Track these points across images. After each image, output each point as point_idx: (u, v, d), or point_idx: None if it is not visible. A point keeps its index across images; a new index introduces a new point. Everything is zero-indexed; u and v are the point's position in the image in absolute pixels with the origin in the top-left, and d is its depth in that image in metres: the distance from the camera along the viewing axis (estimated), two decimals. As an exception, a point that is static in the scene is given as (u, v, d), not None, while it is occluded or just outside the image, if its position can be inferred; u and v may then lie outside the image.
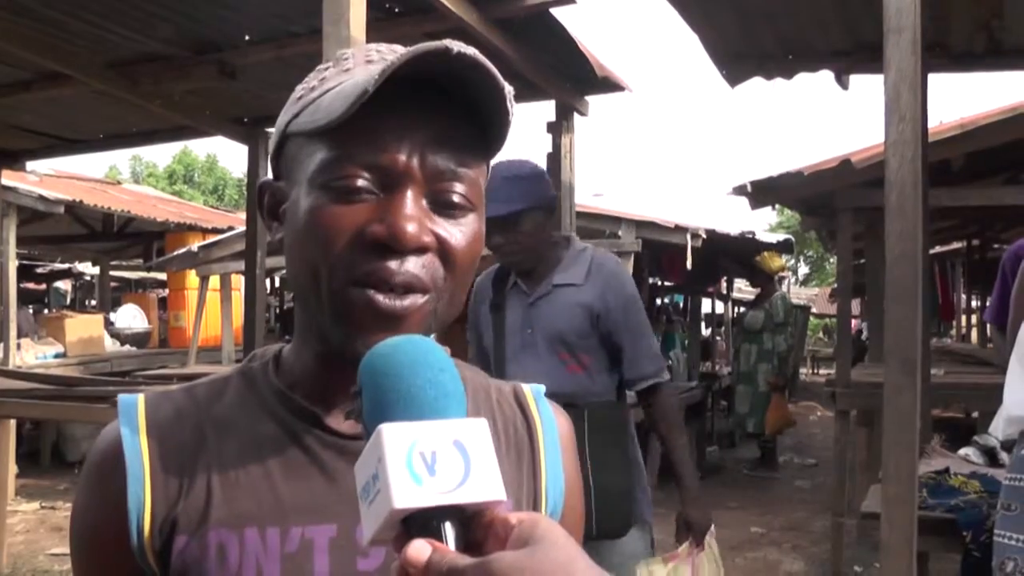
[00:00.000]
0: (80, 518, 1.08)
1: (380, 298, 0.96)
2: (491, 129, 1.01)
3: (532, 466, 1.15)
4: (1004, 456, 4.83)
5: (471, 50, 0.92)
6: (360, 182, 0.96)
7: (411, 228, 0.95)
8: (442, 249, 0.99)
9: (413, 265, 0.97)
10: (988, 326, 5.11)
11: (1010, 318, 3.69)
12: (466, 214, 1.01)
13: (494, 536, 0.74)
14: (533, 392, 1.22)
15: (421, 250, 0.97)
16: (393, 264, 0.96)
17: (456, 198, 0.99)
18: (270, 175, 1.12)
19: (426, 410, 0.78)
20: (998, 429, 3.48)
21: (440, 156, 0.98)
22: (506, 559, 0.70)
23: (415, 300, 0.97)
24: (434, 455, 0.74)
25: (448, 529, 0.73)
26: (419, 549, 0.71)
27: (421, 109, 0.97)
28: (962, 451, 5.05)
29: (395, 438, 0.74)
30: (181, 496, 1.01)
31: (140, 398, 1.08)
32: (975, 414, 9.56)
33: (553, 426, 1.20)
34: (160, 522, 1.01)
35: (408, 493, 0.72)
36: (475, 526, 0.75)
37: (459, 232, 1.00)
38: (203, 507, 1.01)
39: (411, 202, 0.96)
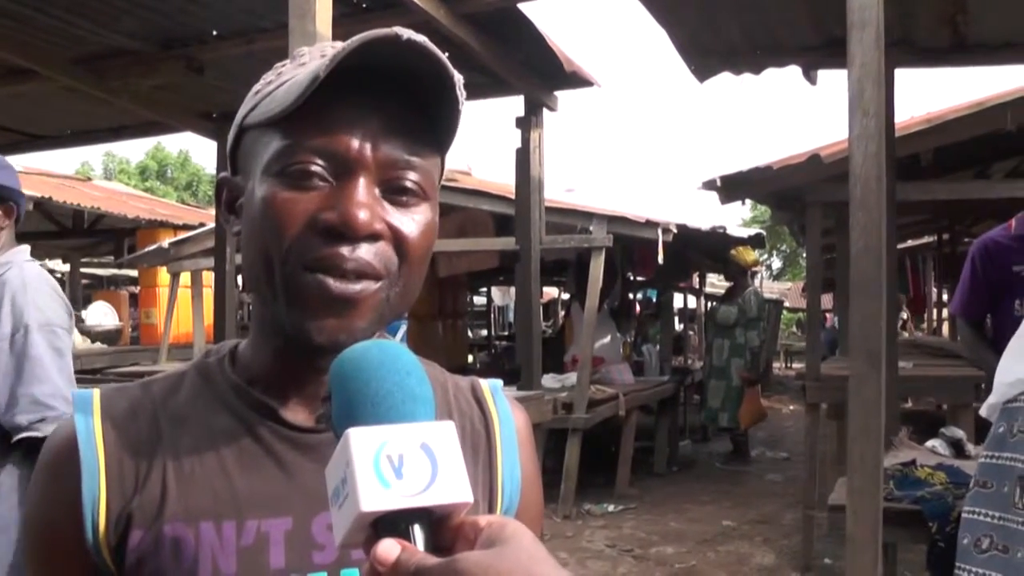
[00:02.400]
0: (34, 514, 1.07)
1: (331, 282, 0.96)
2: (441, 118, 1.01)
3: (488, 461, 1.16)
4: (971, 448, 4.88)
5: (421, 37, 0.93)
6: (313, 169, 0.97)
7: (363, 215, 0.95)
8: (395, 238, 0.99)
9: (365, 252, 0.97)
10: (956, 319, 5.14)
11: None
12: (419, 203, 1.01)
13: (463, 538, 0.75)
14: (490, 387, 1.22)
15: (373, 237, 0.97)
16: (345, 250, 0.96)
17: (409, 186, 1.00)
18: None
19: (393, 414, 0.78)
20: (984, 407, 3.50)
21: (392, 145, 0.98)
22: (472, 558, 0.70)
23: (367, 286, 0.98)
24: (401, 458, 0.74)
25: (417, 531, 0.74)
26: (388, 548, 0.71)
27: (375, 98, 0.98)
28: (929, 443, 5.09)
29: (362, 442, 0.74)
30: (137, 490, 1.01)
31: (95, 393, 1.08)
32: (944, 407, 9.63)
33: (510, 421, 1.20)
34: (115, 517, 1.00)
35: (375, 496, 0.72)
36: (444, 529, 0.76)
37: (411, 221, 1.00)
38: (158, 501, 1.00)
39: (363, 189, 0.97)
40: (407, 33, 0.92)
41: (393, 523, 0.73)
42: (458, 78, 0.97)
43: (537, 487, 1.24)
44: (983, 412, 3.52)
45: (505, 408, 1.20)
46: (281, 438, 1.05)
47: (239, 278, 8.89)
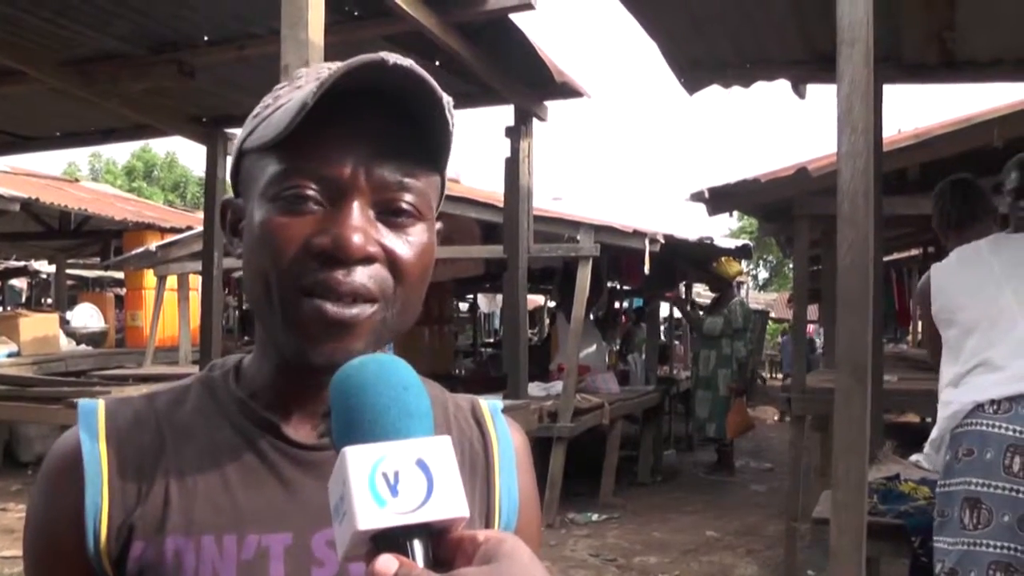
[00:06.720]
0: (35, 523, 1.07)
1: (328, 306, 0.97)
2: (432, 139, 1.01)
3: (486, 482, 1.16)
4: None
5: (407, 61, 0.94)
6: (307, 193, 0.98)
7: (356, 239, 0.96)
8: (390, 259, 1.00)
9: (360, 275, 0.98)
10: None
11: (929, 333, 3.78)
12: (414, 224, 1.02)
13: (462, 553, 0.76)
14: (490, 408, 1.23)
15: (368, 260, 0.98)
16: (339, 274, 0.97)
17: (403, 208, 1.01)
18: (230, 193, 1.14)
19: (390, 430, 0.79)
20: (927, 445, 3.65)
21: (386, 167, 0.99)
22: (469, 575, 0.72)
23: (363, 309, 0.98)
24: (397, 475, 0.75)
25: (416, 546, 0.75)
26: (386, 563, 0.72)
27: (368, 121, 0.99)
28: (913, 457, 5.10)
29: (358, 460, 0.75)
30: (139, 502, 1.02)
31: (100, 403, 1.08)
32: (928, 420, 9.65)
33: (509, 442, 1.20)
34: (117, 528, 1.01)
35: (371, 515, 0.73)
36: (443, 543, 0.77)
37: (407, 242, 1.01)
38: (160, 513, 1.01)
39: (357, 213, 0.97)
40: (393, 58, 0.93)
41: (392, 538, 0.74)
42: (447, 100, 0.98)
43: (535, 508, 1.24)
44: (927, 449, 3.62)
45: (504, 429, 1.21)
46: (283, 454, 1.06)
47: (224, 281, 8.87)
